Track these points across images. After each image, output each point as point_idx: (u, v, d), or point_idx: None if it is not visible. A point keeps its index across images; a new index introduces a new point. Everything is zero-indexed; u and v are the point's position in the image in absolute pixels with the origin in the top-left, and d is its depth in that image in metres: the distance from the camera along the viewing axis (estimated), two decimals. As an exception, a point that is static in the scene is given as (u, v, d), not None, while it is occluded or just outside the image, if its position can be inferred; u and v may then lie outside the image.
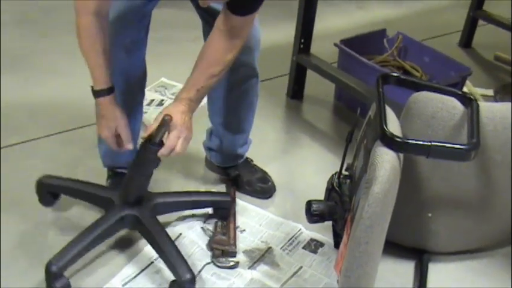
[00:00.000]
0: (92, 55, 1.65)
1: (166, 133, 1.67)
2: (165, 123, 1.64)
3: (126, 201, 1.84)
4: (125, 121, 1.75)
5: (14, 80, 2.77)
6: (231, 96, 2.02)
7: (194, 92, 1.70)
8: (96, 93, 1.70)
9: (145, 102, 2.08)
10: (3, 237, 1.91)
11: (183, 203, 2.05)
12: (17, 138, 2.38)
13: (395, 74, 1.79)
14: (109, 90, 1.69)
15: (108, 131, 1.75)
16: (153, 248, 1.81)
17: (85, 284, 1.79)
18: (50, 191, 2.01)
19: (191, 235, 1.98)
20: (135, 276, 1.82)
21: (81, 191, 1.99)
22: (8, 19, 3.31)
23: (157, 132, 1.66)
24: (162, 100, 2.66)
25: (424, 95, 1.73)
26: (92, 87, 1.71)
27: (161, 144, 1.68)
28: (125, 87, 1.86)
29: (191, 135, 1.70)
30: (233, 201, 2.08)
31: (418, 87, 1.77)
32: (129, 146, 1.77)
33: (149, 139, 1.69)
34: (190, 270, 1.71)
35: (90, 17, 1.60)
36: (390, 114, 1.63)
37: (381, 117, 1.53)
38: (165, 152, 1.66)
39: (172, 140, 1.65)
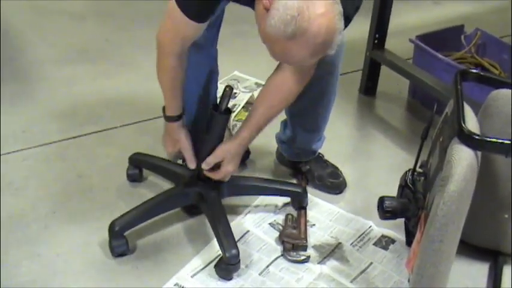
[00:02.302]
0: (169, 89, 1.77)
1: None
2: (226, 94, 1.76)
3: (196, 177, 1.94)
4: (188, 144, 1.86)
5: (91, 71, 2.86)
6: (310, 93, 2.00)
7: (250, 132, 1.82)
8: (166, 118, 1.83)
9: (217, 95, 2.10)
10: (81, 216, 2.00)
11: (250, 187, 2.09)
12: (93, 127, 2.45)
13: (474, 71, 1.75)
14: (178, 117, 1.82)
15: (172, 148, 1.88)
16: (210, 224, 1.89)
17: (155, 273, 1.83)
18: (136, 166, 2.16)
19: (258, 232, 1.99)
20: (203, 268, 1.85)
21: (161, 167, 2.13)
22: (86, 12, 3.42)
23: (222, 102, 1.78)
24: (235, 93, 2.67)
25: (505, 93, 1.69)
26: (164, 110, 1.83)
27: (227, 112, 1.81)
28: (197, 82, 1.90)
29: (233, 170, 1.86)
30: (305, 192, 2.08)
31: (498, 84, 1.72)
32: (192, 166, 1.89)
33: (215, 109, 1.80)
34: (236, 247, 1.79)
35: (173, 58, 1.67)
36: (468, 111, 1.59)
37: (459, 114, 1.49)
38: (204, 165, 1.85)
39: (211, 159, 1.83)
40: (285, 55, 1.44)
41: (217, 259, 1.85)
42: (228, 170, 1.85)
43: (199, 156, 1.89)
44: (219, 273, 1.81)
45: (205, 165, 1.84)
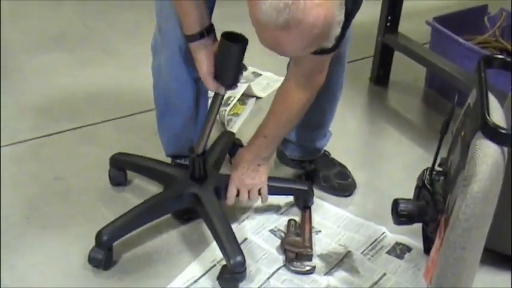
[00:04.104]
0: (179, 5, 1.76)
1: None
2: None
3: (190, 177, 1.95)
4: (206, 65, 1.80)
5: (68, 59, 2.86)
6: None
7: (262, 139, 1.90)
8: (186, 38, 1.80)
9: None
10: (59, 223, 2.00)
11: None
12: (71, 124, 2.45)
13: (500, 56, 1.74)
14: (195, 37, 1.78)
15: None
16: (209, 229, 1.89)
17: (147, 284, 1.83)
18: (119, 167, 2.14)
19: (258, 240, 1.99)
20: (198, 279, 1.85)
21: (148, 168, 2.13)
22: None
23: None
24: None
25: (534, 81, 1.69)
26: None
27: (241, 40, 1.79)
28: (187, 63, 1.89)
29: (256, 183, 1.94)
30: (310, 191, 2.09)
31: (526, 71, 1.72)
32: (216, 90, 1.84)
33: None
34: (241, 253, 1.79)
35: None
36: (493, 102, 1.59)
37: (483, 105, 1.49)
38: (228, 202, 1.97)
39: (230, 192, 1.94)
40: (275, 44, 1.43)
41: (213, 268, 1.85)
42: (254, 185, 1.94)
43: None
44: (223, 284, 1.80)
45: (229, 202, 1.96)
